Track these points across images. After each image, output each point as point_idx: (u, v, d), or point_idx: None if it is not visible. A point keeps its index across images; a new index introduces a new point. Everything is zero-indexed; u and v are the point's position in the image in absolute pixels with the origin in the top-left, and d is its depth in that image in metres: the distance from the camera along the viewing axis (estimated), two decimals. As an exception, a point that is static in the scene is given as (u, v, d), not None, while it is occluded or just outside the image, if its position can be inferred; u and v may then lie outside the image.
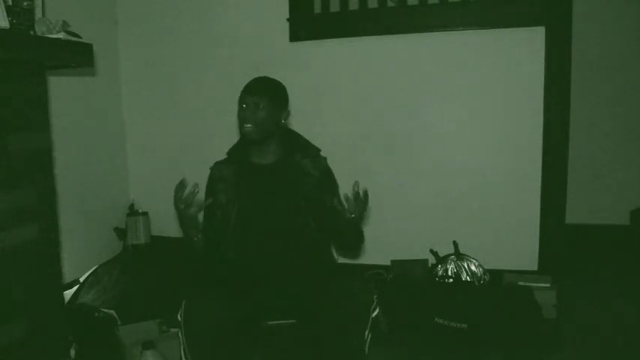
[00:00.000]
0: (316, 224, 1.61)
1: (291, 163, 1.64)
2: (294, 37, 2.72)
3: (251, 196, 1.63)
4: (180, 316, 1.45)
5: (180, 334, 1.45)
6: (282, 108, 1.64)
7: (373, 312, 1.47)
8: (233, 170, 1.66)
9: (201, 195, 1.59)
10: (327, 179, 1.66)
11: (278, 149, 1.66)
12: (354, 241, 1.68)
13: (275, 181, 1.63)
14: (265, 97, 1.59)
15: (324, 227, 1.63)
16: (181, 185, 1.44)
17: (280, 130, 1.65)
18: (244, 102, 1.60)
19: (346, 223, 1.50)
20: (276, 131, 1.63)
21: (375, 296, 1.52)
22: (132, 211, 2.96)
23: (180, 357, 1.46)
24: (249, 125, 1.58)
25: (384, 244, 2.65)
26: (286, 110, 1.66)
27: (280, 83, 1.68)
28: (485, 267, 2.43)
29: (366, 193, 1.46)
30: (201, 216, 1.57)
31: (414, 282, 2.45)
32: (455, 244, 2.51)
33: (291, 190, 1.62)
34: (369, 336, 1.45)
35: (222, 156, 1.73)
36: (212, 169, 1.69)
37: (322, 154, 1.72)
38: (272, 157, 1.65)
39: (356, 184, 1.45)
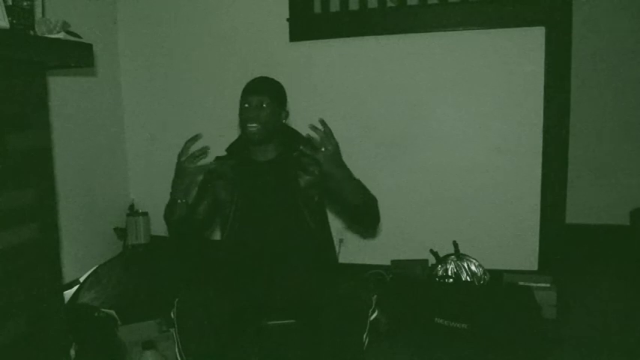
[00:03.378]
0: (314, 221, 1.61)
1: (289, 160, 1.64)
2: (294, 37, 2.72)
3: (250, 193, 1.63)
4: (174, 314, 1.45)
5: (174, 332, 1.46)
6: (283, 107, 1.65)
7: (372, 315, 1.45)
8: (232, 166, 1.67)
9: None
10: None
11: (277, 147, 1.66)
12: (365, 209, 1.59)
13: (274, 178, 1.63)
14: (268, 96, 1.59)
15: (339, 209, 1.60)
16: (194, 139, 1.49)
17: (280, 129, 1.65)
18: (247, 101, 1.59)
19: (327, 168, 1.47)
20: (277, 130, 1.64)
21: (375, 297, 1.51)
22: (132, 211, 2.96)
23: (176, 355, 1.46)
24: (253, 125, 1.58)
25: (384, 244, 2.66)
26: (286, 110, 1.66)
27: (279, 83, 1.68)
28: (485, 267, 2.43)
29: (322, 122, 1.45)
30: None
31: (414, 282, 2.45)
32: (455, 244, 2.51)
33: (290, 188, 1.62)
34: (367, 339, 1.44)
35: (223, 155, 1.73)
36: (211, 164, 1.70)
37: None
38: (271, 154, 1.65)
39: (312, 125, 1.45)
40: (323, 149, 1.44)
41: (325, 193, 1.64)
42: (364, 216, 1.64)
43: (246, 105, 1.59)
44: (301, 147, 1.48)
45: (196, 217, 1.64)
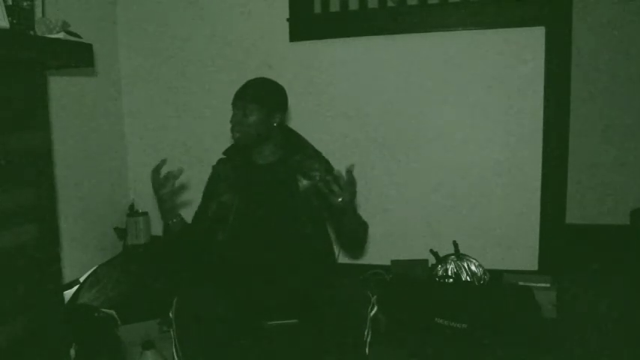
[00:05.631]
0: (312, 224, 1.61)
1: (290, 164, 1.64)
2: (294, 37, 2.72)
3: (249, 195, 1.63)
4: (172, 313, 1.46)
5: (172, 332, 1.46)
6: (274, 111, 1.62)
7: (371, 311, 1.46)
8: (234, 169, 1.67)
9: (188, 192, 1.62)
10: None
11: (277, 149, 1.66)
12: (355, 235, 1.63)
13: (273, 181, 1.63)
14: (254, 102, 1.58)
15: (332, 227, 1.63)
16: (158, 167, 1.50)
17: (274, 132, 1.64)
18: (235, 106, 1.61)
19: (338, 210, 1.48)
20: (269, 134, 1.63)
21: (375, 296, 1.52)
22: (132, 211, 2.96)
23: (173, 355, 1.46)
24: (235, 131, 1.60)
25: (384, 244, 2.65)
26: (280, 113, 1.64)
27: (274, 85, 1.66)
28: (485, 267, 2.43)
29: (350, 173, 1.44)
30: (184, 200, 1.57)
31: (414, 282, 2.46)
32: (455, 244, 2.51)
33: (289, 191, 1.62)
34: (369, 335, 1.45)
35: (223, 155, 1.74)
36: (214, 167, 1.70)
37: (322, 155, 1.72)
38: (271, 157, 1.65)
39: (351, 166, 1.44)
40: (340, 198, 1.44)
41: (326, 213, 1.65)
42: (350, 242, 1.70)
43: (235, 110, 1.61)
44: (316, 174, 1.49)
45: (204, 221, 1.66)
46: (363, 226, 1.65)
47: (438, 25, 2.57)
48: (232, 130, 1.61)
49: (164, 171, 1.51)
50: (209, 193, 1.69)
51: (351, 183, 1.44)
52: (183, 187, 1.61)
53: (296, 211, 1.60)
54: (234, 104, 1.62)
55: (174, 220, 1.56)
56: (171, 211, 1.55)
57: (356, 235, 1.63)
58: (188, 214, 1.70)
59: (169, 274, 2.43)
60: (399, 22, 2.63)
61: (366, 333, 1.44)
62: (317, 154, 1.69)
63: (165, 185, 1.49)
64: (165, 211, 1.55)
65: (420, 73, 2.63)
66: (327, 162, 1.69)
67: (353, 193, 1.46)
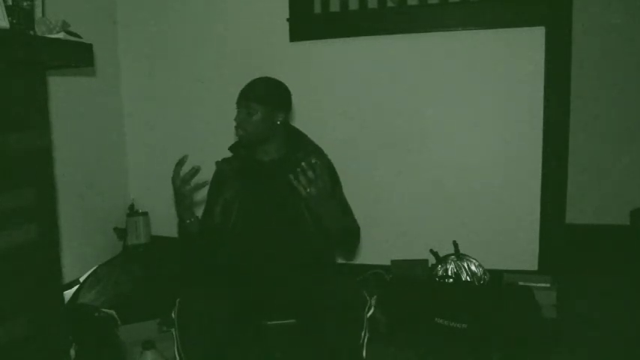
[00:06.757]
0: (314, 223, 1.61)
1: (292, 161, 1.64)
2: (294, 37, 2.72)
3: (252, 193, 1.64)
4: (175, 313, 1.46)
5: (174, 332, 1.46)
6: (278, 110, 1.63)
7: (368, 312, 1.46)
8: (237, 166, 1.68)
9: (205, 189, 1.63)
10: (330, 177, 1.65)
11: (280, 147, 1.66)
12: (334, 233, 1.59)
13: (275, 178, 1.63)
14: (257, 102, 1.59)
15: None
16: (181, 162, 1.50)
17: (278, 130, 1.65)
18: (238, 105, 1.63)
19: (311, 204, 1.49)
20: (273, 133, 1.63)
21: (374, 297, 1.51)
22: (132, 211, 2.96)
23: (174, 355, 1.46)
24: (239, 131, 1.62)
25: (384, 244, 2.66)
26: (284, 111, 1.65)
27: (278, 84, 1.67)
28: (485, 267, 2.43)
29: (314, 165, 1.45)
30: (199, 200, 1.60)
31: (414, 282, 2.46)
32: (455, 244, 2.51)
33: (290, 189, 1.62)
34: (366, 337, 1.44)
35: (223, 155, 1.74)
36: (218, 164, 1.71)
37: (323, 151, 1.72)
38: (274, 154, 1.66)
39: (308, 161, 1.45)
40: (308, 190, 1.46)
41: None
42: (338, 243, 1.70)
43: (239, 109, 1.62)
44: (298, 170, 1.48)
45: (213, 220, 1.66)
46: (346, 227, 1.63)
47: (438, 25, 2.57)
48: (236, 128, 1.62)
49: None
50: (214, 191, 1.69)
51: (317, 177, 1.45)
52: (204, 184, 1.60)
53: (297, 209, 1.60)
54: (238, 103, 1.63)
55: (192, 220, 1.57)
56: (189, 209, 1.55)
57: (336, 233, 1.59)
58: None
59: (170, 274, 2.44)
60: (399, 22, 2.63)
61: (362, 334, 1.43)
62: (318, 151, 1.70)
63: (187, 181, 1.49)
64: (183, 209, 1.55)
65: (420, 73, 2.63)
66: (327, 159, 1.69)
67: (320, 189, 1.46)
